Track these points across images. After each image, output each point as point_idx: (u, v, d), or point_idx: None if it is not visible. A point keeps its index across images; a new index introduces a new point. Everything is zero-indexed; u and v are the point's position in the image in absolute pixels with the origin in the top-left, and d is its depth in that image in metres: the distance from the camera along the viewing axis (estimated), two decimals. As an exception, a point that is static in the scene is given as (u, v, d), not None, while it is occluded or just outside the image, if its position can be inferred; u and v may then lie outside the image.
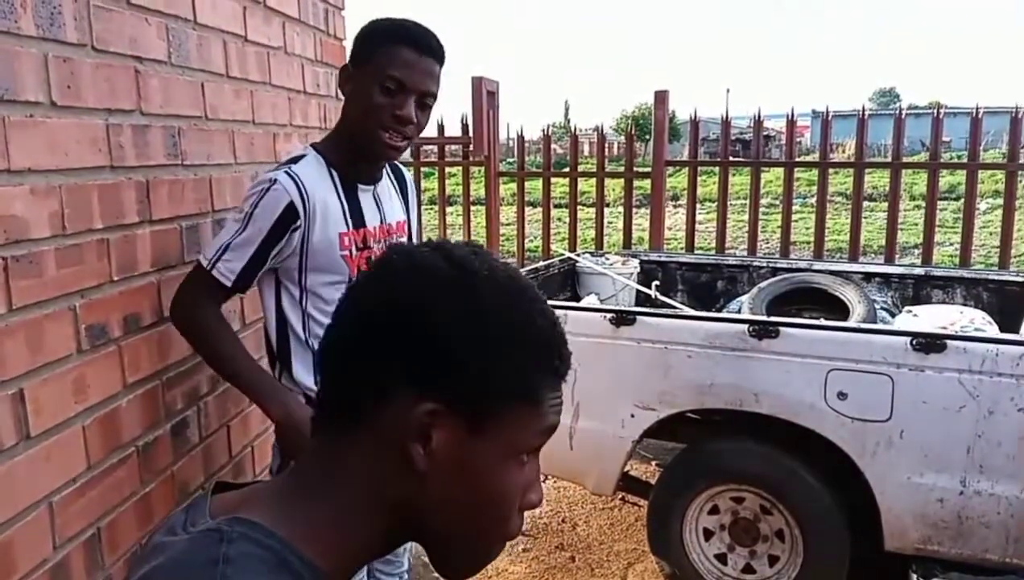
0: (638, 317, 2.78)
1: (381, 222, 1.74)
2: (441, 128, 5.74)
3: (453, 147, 5.84)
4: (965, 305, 3.71)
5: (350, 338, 0.69)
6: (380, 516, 0.68)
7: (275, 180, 1.56)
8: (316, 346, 1.66)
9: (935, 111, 4.89)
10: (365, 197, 1.71)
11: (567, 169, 5.71)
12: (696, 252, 5.28)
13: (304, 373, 1.70)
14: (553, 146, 5.78)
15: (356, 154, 1.66)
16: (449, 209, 5.95)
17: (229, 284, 1.58)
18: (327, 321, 1.73)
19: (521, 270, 3.90)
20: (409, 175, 1.92)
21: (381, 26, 1.60)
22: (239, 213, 1.59)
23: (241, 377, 1.63)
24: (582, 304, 3.60)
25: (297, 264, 1.63)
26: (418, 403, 0.65)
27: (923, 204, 6.35)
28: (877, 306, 3.75)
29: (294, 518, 0.66)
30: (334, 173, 1.65)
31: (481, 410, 0.66)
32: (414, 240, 1.86)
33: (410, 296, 0.66)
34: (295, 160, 1.63)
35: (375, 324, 0.67)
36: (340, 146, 1.67)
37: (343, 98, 1.66)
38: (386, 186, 1.79)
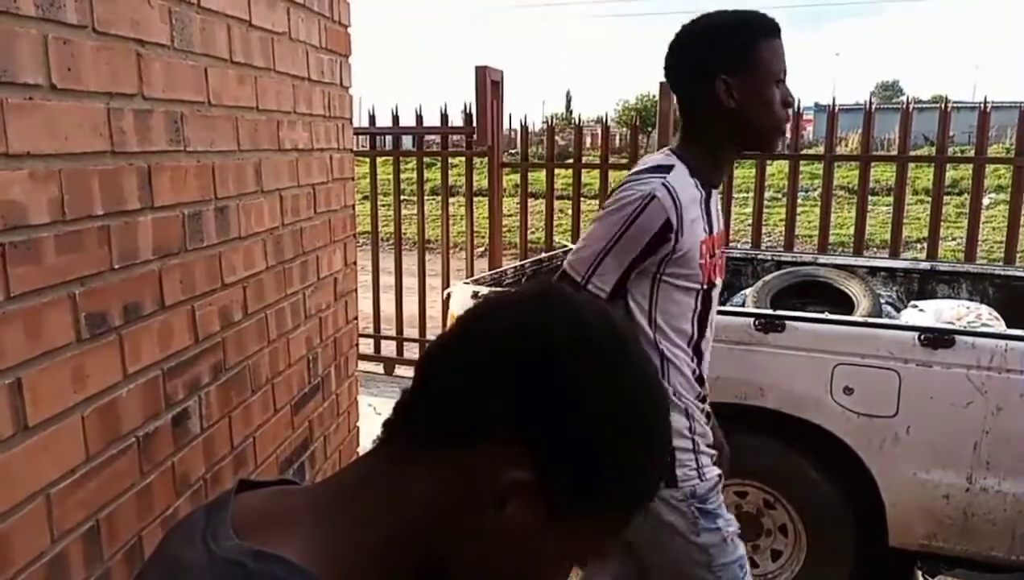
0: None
1: (717, 230, 1.69)
2: (444, 118, 5.70)
3: (456, 137, 5.80)
4: (971, 300, 3.69)
5: (480, 358, 0.61)
6: (418, 556, 0.61)
7: (654, 195, 1.51)
8: (670, 354, 1.61)
9: (942, 104, 4.85)
10: (712, 203, 1.67)
11: (571, 160, 5.68)
12: (699, 245, 5.24)
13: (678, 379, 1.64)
14: (556, 137, 5.73)
15: (715, 160, 1.64)
16: (452, 200, 5.91)
17: (604, 298, 1.55)
18: (678, 327, 1.59)
19: (525, 262, 3.89)
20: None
21: (741, 25, 1.57)
22: (612, 220, 1.53)
23: None
24: (585, 296, 3.57)
25: (653, 273, 1.57)
26: (513, 465, 0.58)
27: (926, 198, 6.32)
28: (882, 301, 3.72)
29: (333, 544, 0.60)
30: (697, 181, 1.61)
31: (573, 505, 0.60)
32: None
33: (567, 351, 0.60)
34: (666, 168, 1.57)
35: (518, 360, 0.60)
36: (699, 154, 1.63)
37: (698, 110, 1.63)
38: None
